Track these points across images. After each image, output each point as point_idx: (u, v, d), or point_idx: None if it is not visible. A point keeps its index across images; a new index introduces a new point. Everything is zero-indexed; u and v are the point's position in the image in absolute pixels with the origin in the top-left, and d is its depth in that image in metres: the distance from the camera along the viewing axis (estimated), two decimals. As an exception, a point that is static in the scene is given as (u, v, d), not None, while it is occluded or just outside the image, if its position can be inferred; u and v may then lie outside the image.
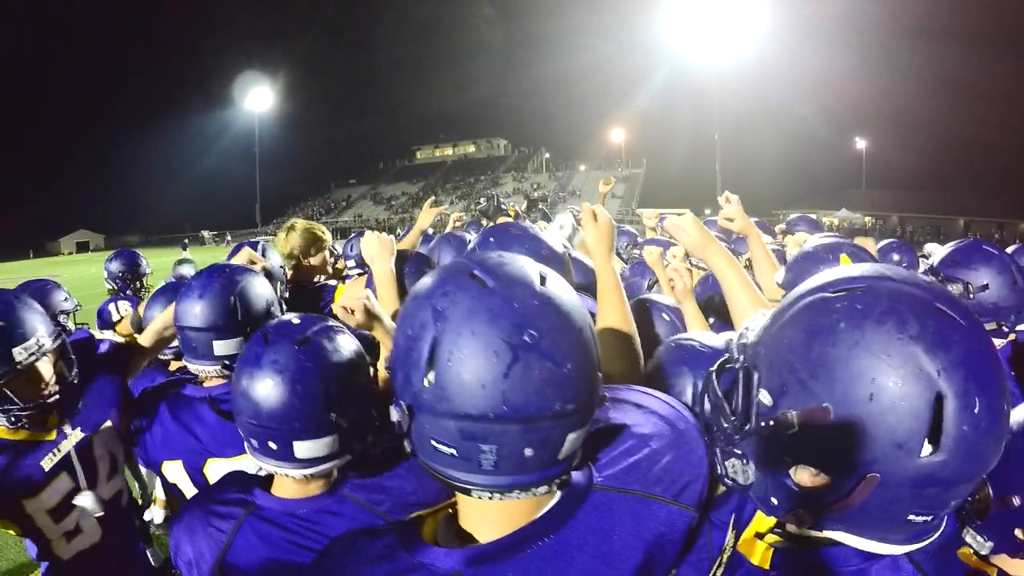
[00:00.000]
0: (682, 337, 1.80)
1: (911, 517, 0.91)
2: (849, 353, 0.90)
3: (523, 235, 2.00)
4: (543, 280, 0.96)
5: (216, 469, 2.12)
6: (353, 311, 1.78)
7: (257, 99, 68.56)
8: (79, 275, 32.97)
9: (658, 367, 1.71)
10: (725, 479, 1.01)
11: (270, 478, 1.62)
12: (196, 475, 2.15)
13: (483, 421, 0.89)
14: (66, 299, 3.51)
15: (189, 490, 2.18)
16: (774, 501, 1.02)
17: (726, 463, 1.01)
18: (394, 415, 1.00)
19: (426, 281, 1.00)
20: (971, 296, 2.19)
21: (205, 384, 2.23)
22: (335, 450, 1.53)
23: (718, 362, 1.10)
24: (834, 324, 0.93)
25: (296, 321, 1.60)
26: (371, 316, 1.82)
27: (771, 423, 0.94)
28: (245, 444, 1.57)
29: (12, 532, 2.12)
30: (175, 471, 2.19)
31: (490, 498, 0.96)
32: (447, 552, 0.99)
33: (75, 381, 2.13)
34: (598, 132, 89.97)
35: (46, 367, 2.06)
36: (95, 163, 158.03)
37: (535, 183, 76.33)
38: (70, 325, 3.46)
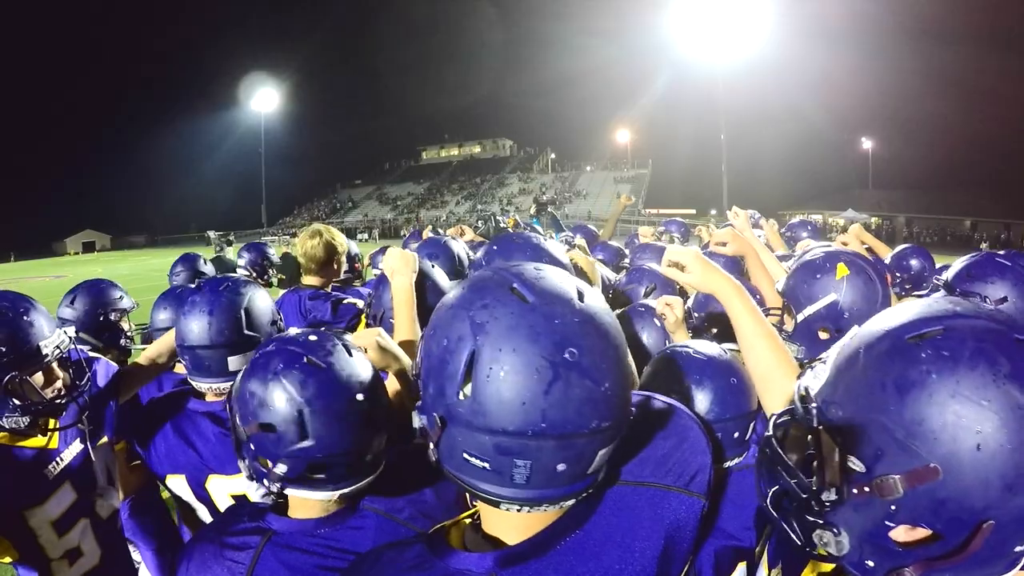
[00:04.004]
0: (677, 345, 1.88)
1: (1018, 548, 0.88)
2: (948, 406, 0.85)
3: (525, 245, 2.03)
4: (581, 296, 0.95)
5: (217, 485, 2.11)
6: (366, 350, 1.73)
7: (263, 100, 68.60)
8: (86, 275, 33.18)
9: (655, 375, 1.79)
10: (812, 551, 0.98)
11: (282, 502, 1.52)
12: (199, 490, 2.14)
13: (520, 437, 0.88)
14: (122, 297, 3.43)
15: (194, 504, 2.18)
16: (870, 564, 0.96)
17: (813, 535, 0.97)
18: (417, 422, 1.00)
19: (462, 291, 0.98)
20: None
21: (207, 399, 2.22)
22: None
23: (772, 421, 1.06)
24: (924, 376, 0.87)
25: (313, 338, 1.52)
26: (385, 353, 1.81)
27: (869, 490, 0.90)
28: (252, 471, 1.46)
29: (8, 559, 2.05)
30: (179, 485, 2.18)
31: (518, 511, 0.96)
32: (480, 556, 1.00)
33: (86, 387, 2.14)
34: (604, 132, 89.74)
35: (59, 369, 2.10)
36: (101, 163, 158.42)
37: (541, 183, 76.30)
38: (124, 325, 3.42)
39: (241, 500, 1.65)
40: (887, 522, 0.91)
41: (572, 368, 0.88)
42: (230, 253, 11.54)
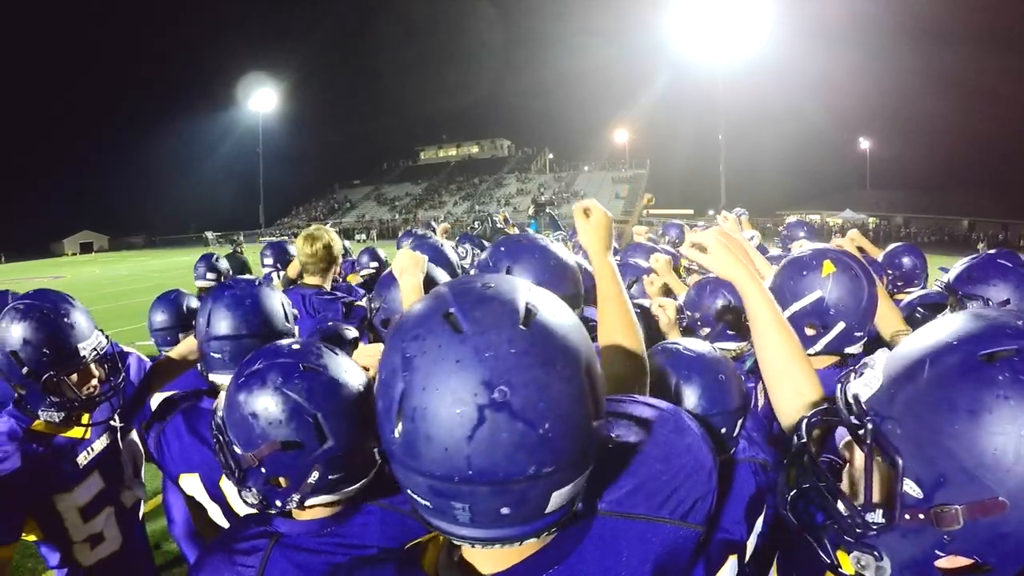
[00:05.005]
0: (668, 342, 1.88)
1: None
2: None
3: (532, 246, 2.00)
4: (528, 317, 0.83)
5: (232, 484, 2.14)
6: (368, 369, 1.70)
7: (261, 100, 68.61)
8: (84, 276, 33.19)
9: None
10: (840, 571, 0.93)
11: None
12: (213, 489, 2.14)
13: (448, 482, 0.80)
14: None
15: (207, 504, 2.17)
16: None
17: (851, 556, 0.91)
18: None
19: (403, 318, 0.90)
20: None
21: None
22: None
23: (805, 425, 1.02)
24: (1000, 402, 0.81)
25: (297, 346, 1.50)
26: None
27: (924, 518, 0.85)
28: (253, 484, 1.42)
29: (32, 537, 2.16)
30: (192, 484, 2.18)
31: (472, 547, 0.90)
32: None
33: (121, 385, 2.23)
34: (602, 133, 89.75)
35: (95, 367, 2.18)
36: (99, 164, 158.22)
37: (539, 184, 76.34)
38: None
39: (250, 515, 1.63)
40: (937, 551, 0.86)
41: (501, 409, 0.77)
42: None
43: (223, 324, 2.14)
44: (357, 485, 1.44)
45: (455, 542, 0.91)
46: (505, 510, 0.82)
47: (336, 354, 1.51)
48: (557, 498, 0.84)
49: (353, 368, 1.50)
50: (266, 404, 1.36)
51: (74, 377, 2.10)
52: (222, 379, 2.18)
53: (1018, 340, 0.85)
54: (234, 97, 72.81)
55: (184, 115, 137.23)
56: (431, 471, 0.81)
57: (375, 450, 1.21)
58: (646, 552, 0.96)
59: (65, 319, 2.08)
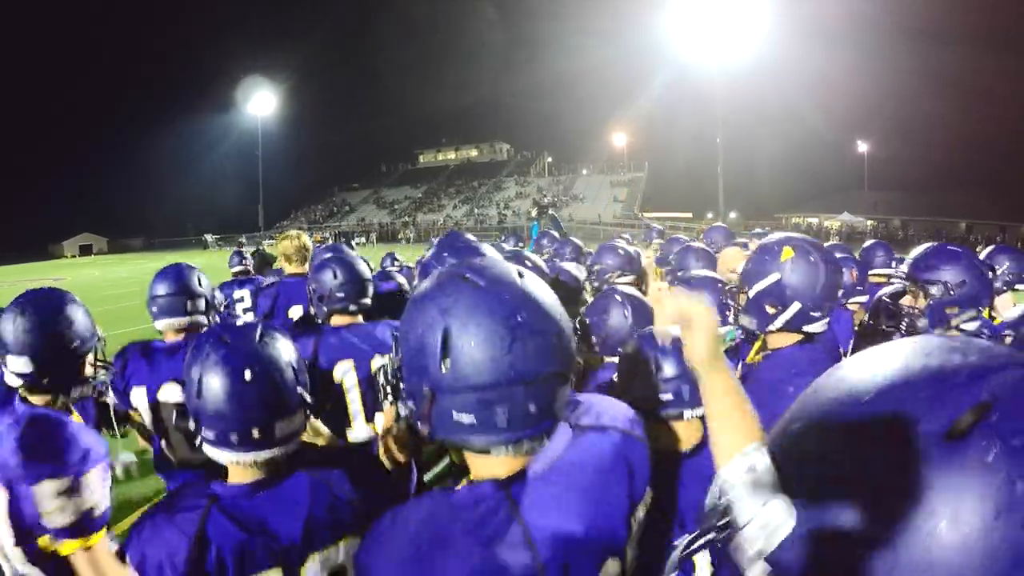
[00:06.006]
0: (649, 329, 2.04)
1: None
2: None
3: (467, 245, 2.63)
4: (520, 276, 1.19)
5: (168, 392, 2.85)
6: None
7: (260, 103, 68.68)
8: (86, 277, 33.26)
9: (629, 355, 1.98)
10: None
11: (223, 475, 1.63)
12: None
13: (496, 388, 1.10)
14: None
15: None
16: None
17: None
18: (403, 410, 1.24)
19: (424, 290, 1.20)
20: (951, 294, 2.43)
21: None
22: (299, 427, 1.63)
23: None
24: (1011, 498, 0.54)
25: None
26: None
27: None
28: (201, 438, 1.56)
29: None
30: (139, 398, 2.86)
31: (506, 452, 1.16)
32: (492, 482, 1.18)
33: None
34: (600, 136, 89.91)
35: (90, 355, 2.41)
36: (98, 166, 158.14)
37: (538, 187, 76.47)
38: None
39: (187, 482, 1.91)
40: None
41: (523, 327, 1.11)
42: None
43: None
44: (286, 447, 1.59)
45: (492, 452, 1.16)
46: (532, 408, 1.12)
47: (273, 335, 1.66)
48: (559, 398, 1.17)
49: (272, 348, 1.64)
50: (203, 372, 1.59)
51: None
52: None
53: (979, 383, 0.59)
54: (233, 98, 72.84)
55: (183, 116, 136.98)
56: (481, 383, 1.10)
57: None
58: (617, 450, 1.29)
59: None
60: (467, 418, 1.12)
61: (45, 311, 2.22)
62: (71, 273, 36.81)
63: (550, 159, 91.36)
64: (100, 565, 1.91)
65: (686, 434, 1.87)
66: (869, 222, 58.55)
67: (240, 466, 1.56)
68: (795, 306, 2.06)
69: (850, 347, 3.65)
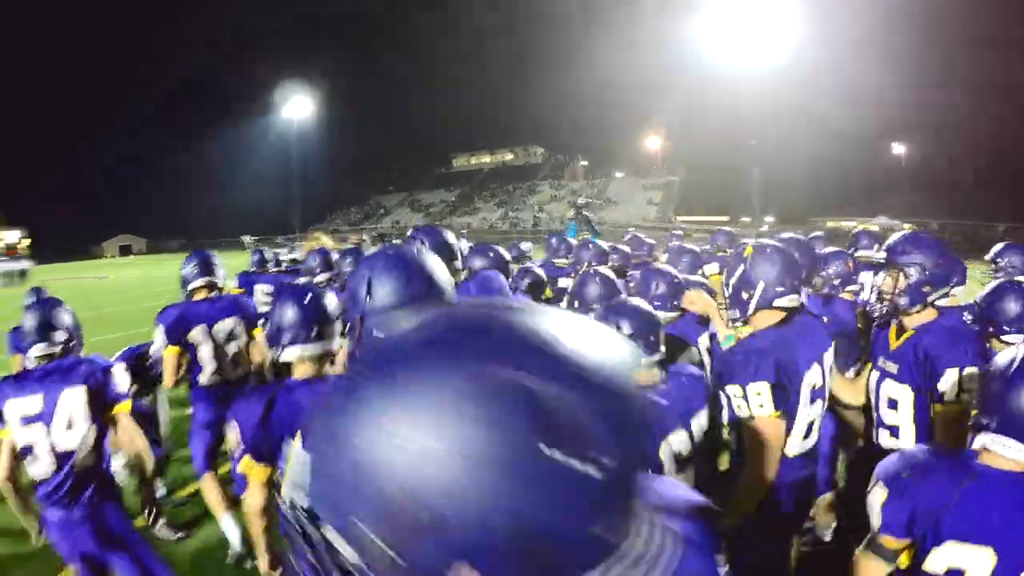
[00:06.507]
0: (616, 300, 2.76)
1: None
2: None
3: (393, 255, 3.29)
4: (417, 251, 1.80)
5: None
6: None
7: (297, 107, 69.88)
8: (126, 277, 34.79)
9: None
10: None
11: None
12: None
13: (394, 308, 1.64)
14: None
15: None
16: None
17: None
18: (349, 344, 1.76)
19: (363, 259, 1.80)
20: (926, 274, 2.75)
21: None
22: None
23: None
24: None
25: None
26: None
27: None
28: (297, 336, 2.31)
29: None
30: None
31: None
32: None
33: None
34: (635, 139, 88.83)
35: None
36: (138, 168, 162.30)
37: (573, 190, 76.60)
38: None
39: None
40: None
41: (414, 275, 1.68)
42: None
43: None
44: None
45: None
46: None
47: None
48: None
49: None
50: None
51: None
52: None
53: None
54: (270, 104, 73.70)
55: (221, 121, 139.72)
56: (384, 306, 1.65)
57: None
58: None
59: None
60: (379, 333, 1.60)
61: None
62: (114, 272, 38.31)
63: (585, 162, 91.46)
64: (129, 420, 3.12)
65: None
66: (907, 225, 57.71)
67: (305, 364, 2.36)
68: (760, 284, 2.62)
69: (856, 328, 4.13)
